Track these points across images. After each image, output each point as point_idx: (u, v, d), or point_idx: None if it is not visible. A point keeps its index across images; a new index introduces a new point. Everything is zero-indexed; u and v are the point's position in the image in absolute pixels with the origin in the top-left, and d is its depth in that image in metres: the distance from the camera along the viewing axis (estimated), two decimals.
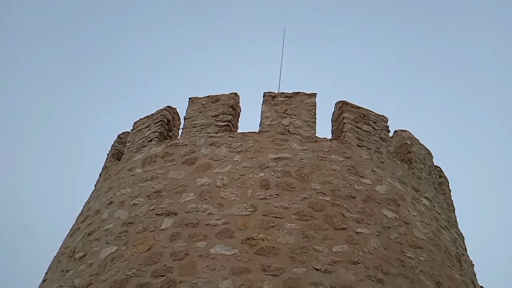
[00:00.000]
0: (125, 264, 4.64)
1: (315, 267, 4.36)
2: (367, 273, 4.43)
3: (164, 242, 4.70)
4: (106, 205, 5.68)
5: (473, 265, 6.11)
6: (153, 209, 5.12)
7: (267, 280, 4.22)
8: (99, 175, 7.01)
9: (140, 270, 4.52)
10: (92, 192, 6.72)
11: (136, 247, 4.76)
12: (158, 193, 5.32)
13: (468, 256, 6.12)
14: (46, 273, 5.75)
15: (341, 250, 4.55)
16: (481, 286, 5.84)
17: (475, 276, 5.93)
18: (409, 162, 6.32)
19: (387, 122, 6.61)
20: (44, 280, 5.62)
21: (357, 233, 4.77)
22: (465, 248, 6.20)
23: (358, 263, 4.49)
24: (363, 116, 6.40)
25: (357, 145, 5.95)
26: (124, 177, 5.97)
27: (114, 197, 5.70)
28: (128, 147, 6.70)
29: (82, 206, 6.56)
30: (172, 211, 5.01)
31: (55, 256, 5.90)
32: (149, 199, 5.30)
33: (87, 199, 6.68)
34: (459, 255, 5.62)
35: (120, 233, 5.03)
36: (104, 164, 7.09)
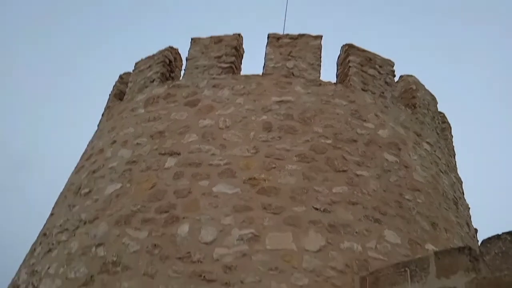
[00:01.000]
0: (129, 201, 4.78)
1: (315, 206, 4.47)
2: (365, 213, 4.56)
3: (167, 180, 4.81)
4: (109, 144, 5.75)
5: (469, 208, 6.28)
6: (156, 149, 5.19)
7: (268, 218, 4.35)
8: (102, 115, 7.03)
9: (145, 207, 4.66)
10: (96, 132, 6.78)
11: (140, 185, 4.88)
12: (161, 133, 5.36)
13: (465, 200, 6.26)
14: (53, 208, 5.94)
15: (341, 191, 4.65)
16: (475, 228, 6.03)
17: (470, 218, 6.11)
18: (413, 107, 6.29)
19: (393, 67, 6.50)
20: (51, 215, 5.82)
21: (357, 175, 4.85)
22: (462, 192, 6.33)
23: (357, 203, 4.60)
24: (369, 59, 6.28)
25: (362, 89, 5.89)
26: (126, 117, 5.99)
27: (117, 137, 5.76)
28: (130, 88, 6.66)
29: (86, 145, 6.65)
30: (175, 151, 5.07)
31: (61, 192, 6.07)
32: (152, 139, 5.35)
33: (91, 138, 6.75)
34: (456, 198, 5.75)
35: (124, 171, 5.13)
36: (107, 104, 7.09)
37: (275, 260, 4.09)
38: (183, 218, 4.47)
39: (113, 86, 7.36)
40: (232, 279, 4.01)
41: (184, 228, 4.39)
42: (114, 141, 5.75)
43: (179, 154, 5.02)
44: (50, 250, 4.99)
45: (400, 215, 4.74)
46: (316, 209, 4.46)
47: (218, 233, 4.30)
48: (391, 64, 6.50)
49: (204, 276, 4.05)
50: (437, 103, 7.01)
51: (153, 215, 4.57)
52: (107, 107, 6.95)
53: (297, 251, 4.16)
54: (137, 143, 5.43)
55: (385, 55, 6.48)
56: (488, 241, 3.17)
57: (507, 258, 2.99)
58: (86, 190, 5.31)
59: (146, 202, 4.70)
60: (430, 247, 4.60)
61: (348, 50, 6.27)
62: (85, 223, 4.91)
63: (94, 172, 5.54)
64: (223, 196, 4.54)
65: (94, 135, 6.74)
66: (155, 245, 4.34)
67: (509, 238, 3.04)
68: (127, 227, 4.57)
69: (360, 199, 4.65)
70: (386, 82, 6.22)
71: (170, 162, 4.99)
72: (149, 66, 6.62)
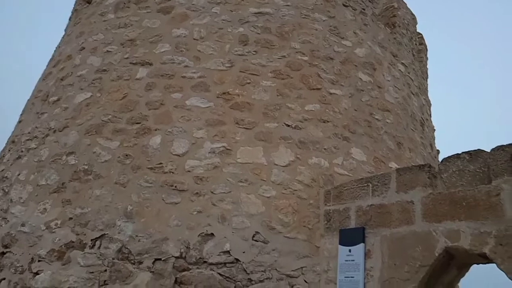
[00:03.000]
0: (100, 110, 4.71)
1: (287, 123, 4.53)
2: (335, 131, 4.67)
3: (139, 91, 4.72)
4: (78, 50, 5.49)
5: (434, 130, 6.52)
6: (127, 58, 5.00)
7: (240, 133, 4.40)
8: (69, 19, 6.63)
9: (116, 117, 4.61)
10: (63, 37, 6.43)
11: (111, 95, 4.78)
12: (132, 41, 5.13)
13: (431, 122, 6.47)
14: (21, 115, 5.81)
15: (313, 109, 4.69)
16: (437, 150, 6.32)
17: (434, 140, 6.37)
18: (392, 27, 6.18)
19: None
20: (19, 122, 5.70)
21: (331, 94, 4.88)
22: (430, 114, 6.52)
23: (328, 121, 4.68)
24: None
25: (343, 4, 5.70)
26: (95, 23, 5.67)
27: (86, 43, 5.49)
28: None
29: (53, 51, 6.34)
30: (147, 61, 4.91)
31: (28, 100, 5.90)
32: (123, 47, 5.13)
33: (58, 43, 6.42)
34: (423, 120, 5.93)
35: (94, 80, 4.98)
36: (74, 7, 6.64)
37: (245, 173, 4.23)
38: (155, 130, 4.47)
39: None
40: (202, 190, 4.15)
41: (156, 140, 4.42)
42: (83, 48, 5.49)
43: (151, 64, 4.87)
44: (19, 157, 4.97)
45: (369, 134, 4.89)
46: (288, 125, 4.52)
47: (190, 145, 4.35)
48: None
49: (175, 186, 4.17)
50: (417, 23, 6.90)
51: (125, 125, 4.55)
52: (74, 11, 6.53)
53: (267, 165, 4.29)
54: (107, 51, 5.21)
55: None
56: (447, 159, 3.34)
57: (462, 176, 3.18)
58: (55, 98, 5.17)
59: (117, 113, 4.64)
60: (393, 165, 4.82)
61: None
62: (54, 131, 4.85)
63: (62, 79, 5.35)
64: (196, 109, 4.52)
65: (62, 40, 6.40)
66: (126, 155, 4.37)
67: (467, 158, 3.21)
68: (98, 137, 4.55)
69: (331, 117, 4.73)
70: None
71: (142, 72, 4.85)
72: None
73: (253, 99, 4.59)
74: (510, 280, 2.79)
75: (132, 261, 3.95)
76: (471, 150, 3.22)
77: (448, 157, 3.35)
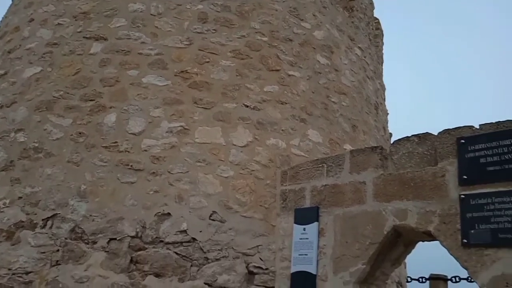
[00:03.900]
0: (51, 86, 4.51)
1: (245, 104, 4.54)
2: (292, 113, 4.73)
3: (93, 67, 4.55)
4: (26, 22, 5.19)
5: (388, 114, 6.76)
6: (80, 32, 4.79)
7: (198, 112, 4.37)
8: None
9: (68, 93, 4.44)
10: (10, 6, 6.04)
11: (62, 70, 4.58)
12: (86, 14, 4.91)
13: (385, 106, 6.70)
14: None
15: (272, 90, 4.72)
16: (390, 133, 6.57)
17: (387, 123, 6.61)
18: (350, 10, 6.27)
19: None
20: None
21: (289, 75, 4.92)
22: (384, 98, 6.74)
23: (286, 103, 4.74)
24: None
25: None
26: None
27: (35, 14, 5.19)
28: None
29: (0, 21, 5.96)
30: (101, 35, 4.72)
31: None
32: (76, 20, 4.90)
33: (4, 13, 6.04)
34: (377, 104, 6.13)
35: (44, 54, 4.74)
36: None
37: (203, 153, 4.22)
38: (110, 107, 4.35)
39: None
40: (159, 169, 4.12)
41: (111, 118, 4.30)
42: (32, 19, 5.20)
43: (105, 39, 4.69)
44: None
45: (325, 116, 4.99)
46: (247, 106, 4.53)
47: (147, 124, 4.27)
48: None
49: (131, 166, 4.10)
50: (374, 8, 7.04)
51: (78, 102, 4.39)
52: None
53: (225, 145, 4.30)
54: (59, 23, 4.96)
55: None
56: (398, 142, 3.49)
57: (411, 158, 3.34)
58: (1, 71, 4.89)
59: (69, 89, 4.47)
60: (348, 147, 4.97)
61: None
62: (1, 106, 4.61)
63: (9, 52, 5.06)
64: (153, 87, 4.43)
65: (8, 10, 6.02)
66: (80, 133, 4.24)
67: (416, 140, 3.36)
68: (49, 114, 4.38)
69: (289, 99, 4.78)
70: None
71: (96, 47, 4.67)
72: None
73: (212, 79, 4.56)
74: (451, 256, 2.99)
75: (86, 241, 3.88)
76: (420, 133, 3.37)
77: (399, 139, 3.49)
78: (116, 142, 4.18)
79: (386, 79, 7.02)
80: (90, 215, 3.96)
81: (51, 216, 3.98)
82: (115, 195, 4.02)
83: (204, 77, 4.54)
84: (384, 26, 7.32)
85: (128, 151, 4.16)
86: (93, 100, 4.38)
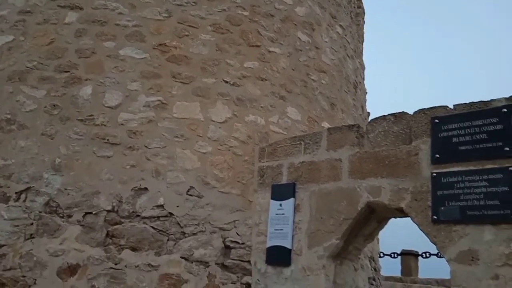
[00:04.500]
0: (24, 56, 4.36)
1: (225, 79, 4.50)
2: (272, 90, 4.72)
3: (68, 37, 4.41)
4: None
5: (366, 93, 6.81)
6: (55, 0, 4.62)
7: (177, 87, 4.31)
8: None
9: (42, 64, 4.30)
10: None
11: (36, 39, 4.42)
12: None
13: (364, 85, 6.74)
14: None
15: (252, 66, 4.69)
16: (368, 112, 6.64)
17: (365, 102, 6.67)
18: None
19: None
20: None
21: (270, 52, 4.88)
22: (363, 78, 6.78)
23: (266, 80, 4.72)
24: None
25: None
26: None
27: None
28: None
29: None
30: (77, 4, 4.55)
31: None
32: None
33: None
34: (356, 83, 6.16)
35: (16, 22, 4.56)
36: None
37: (181, 128, 4.19)
38: (86, 79, 4.25)
39: None
40: (136, 144, 4.07)
41: (87, 90, 4.21)
42: None
43: (81, 8, 4.54)
44: None
45: (304, 94, 5.00)
46: (226, 82, 4.50)
47: (124, 98, 4.20)
48: None
49: (107, 140, 4.05)
50: None
51: (52, 73, 4.27)
52: None
53: (204, 121, 4.27)
54: None
55: None
56: (374, 120, 3.53)
57: (387, 136, 3.39)
58: None
59: (43, 59, 4.33)
60: (326, 125, 5.01)
61: None
62: None
63: None
64: (131, 60, 4.33)
65: None
66: (54, 105, 4.14)
67: (392, 119, 3.41)
68: (22, 84, 4.25)
69: (269, 75, 4.76)
70: None
71: (71, 17, 4.52)
72: None
73: (191, 53, 4.48)
74: (421, 232, 3.09)
75: (61, 215, 3.84)
76: (396, 112, 3.42)
77: (375, 118, 3.54)
78: (92, 115, 4.11)
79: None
80: (65, 189, 3.91)
81: (24, 189, 3.92)
82: (91, 169, 3.97)
83: (183, 51, 4.47)
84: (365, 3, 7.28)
85: (105, 125, 4.09)
86: (68, 71, 4.27)
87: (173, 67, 4.37)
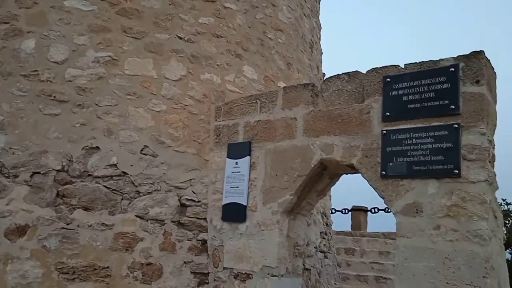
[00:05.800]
0: None
1: (179, 35, 4.35)
2: (228, 48, 4.63)
3: None
4: None
5: (322, 53, 6.84)
6: None
7: (128, 42, 4.12)
8: None
9: None
10: None
11: None
12: None
13: (320, 45, 6.75)
14: None
15: (207, 22, 4.55)
16: (323, 73, 6.69)
17: (321, 62, 6.70)
18: None
19: None
20: None
21: (225, 7, 4.74)
22: (319, 38, 6.78)
23: (221, 37, 4.60)
24: None
25: None
26: None
27: None
28: None
29: None
30: None
31: None
32: None
33: None
34: (312, 43, 6.16)
35: None
36: None
37: (134, 85, 4.05)
38: (28, 32, 3.97)
39: None
40: (86, 101, 3.91)
41: (29, 44, 3.94)
42: None
43: None
44: None
45: (261, 52, 4.94)
46: (180, 37, 4.35)
47: (71, 52, 3.98)
48: None
49: (54, 96, 3.85)
50: None
51: None
52: None
53: (157, 78, 4.15)
54: None
55: None
56: (329, 79, 3.57)
57: (340, 95, 3.45)
58: None
59: None
60: (282, 84, 5.01)
61: None
62: None
63: None
64: (77, 12, 4.07)
65: None
66: None
67: (346, 78, 3.46)
68: None
69: (225, 32, 4.65)
70: None
71: None
72: None
73: (142, 6, 4.27)
74: (371, 187, 3.22)
75: (6, 175, 3.67)
76: (349, 72, 3.46)
77: (330, 77, 3.57)
78: (36, 70, 3.87)
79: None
80: (10, 148, 3.72)
81: None
82: (38, 127, 3.79)
83: (134, 3, 4.25)
84: None
85: (51, 81, 3.88)
86: (8, 23, 3.97)
87: (123, 21, 4.16)
